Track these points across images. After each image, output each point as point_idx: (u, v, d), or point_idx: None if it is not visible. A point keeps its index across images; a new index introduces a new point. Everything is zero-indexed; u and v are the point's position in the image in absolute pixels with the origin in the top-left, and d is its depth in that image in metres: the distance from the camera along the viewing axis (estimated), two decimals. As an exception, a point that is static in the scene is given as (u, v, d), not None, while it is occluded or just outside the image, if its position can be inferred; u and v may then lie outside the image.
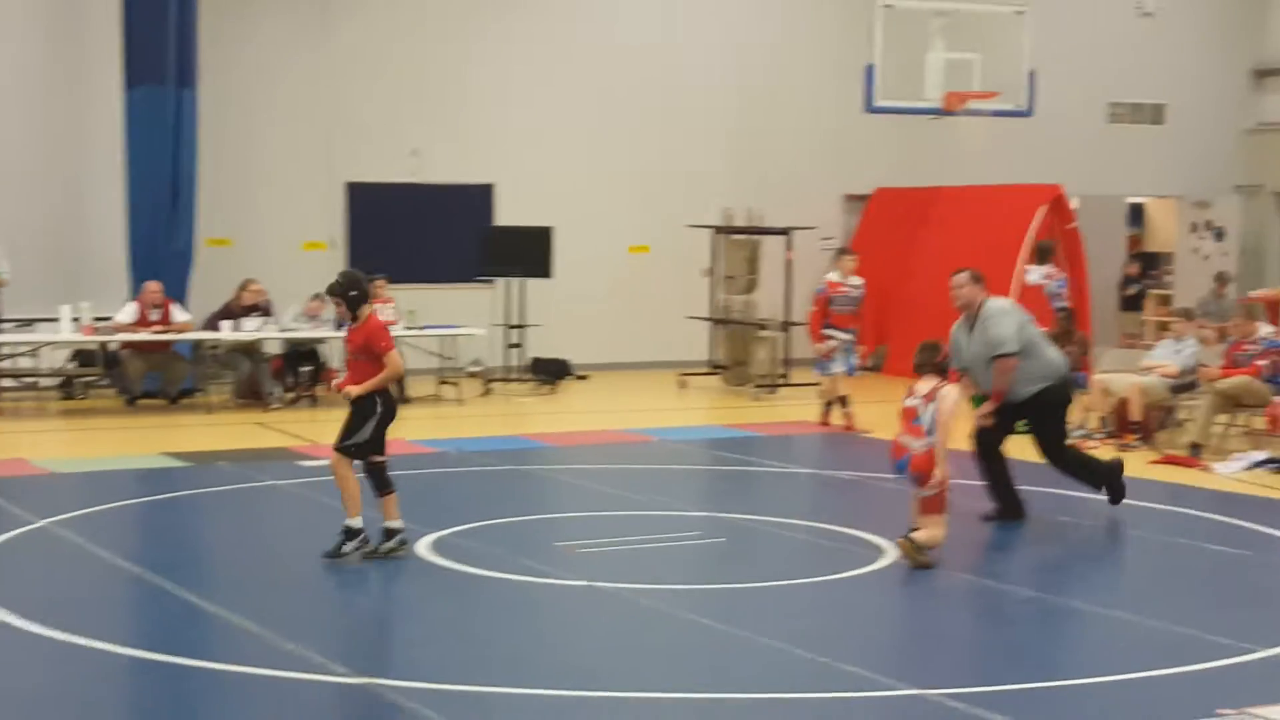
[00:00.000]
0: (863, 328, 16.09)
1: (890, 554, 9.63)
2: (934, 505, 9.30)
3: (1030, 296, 16.81)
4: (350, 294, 9.47)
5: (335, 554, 9.27)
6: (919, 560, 9.19)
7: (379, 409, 9.47)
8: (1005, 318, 10.70)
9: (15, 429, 15.50)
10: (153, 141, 17.59)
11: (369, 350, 9.46)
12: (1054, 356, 11.01)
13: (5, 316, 17.37)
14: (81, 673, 7.14)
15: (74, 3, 18.62)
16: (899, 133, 22.24)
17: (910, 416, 9.36)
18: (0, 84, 18.31)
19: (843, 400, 15.64)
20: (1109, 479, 11.26)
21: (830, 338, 15.55)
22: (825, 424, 15.73)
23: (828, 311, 15.63)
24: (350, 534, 9.33)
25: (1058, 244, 19.34)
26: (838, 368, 15.58)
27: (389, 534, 9.45)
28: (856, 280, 15.83)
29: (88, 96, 18.62)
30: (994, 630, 8.20)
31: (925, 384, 9.41)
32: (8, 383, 17.56)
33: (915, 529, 9.30)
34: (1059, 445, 11.11)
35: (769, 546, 10.16)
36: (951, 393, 9.41)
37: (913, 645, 7.79)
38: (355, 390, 9.44)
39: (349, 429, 9.48)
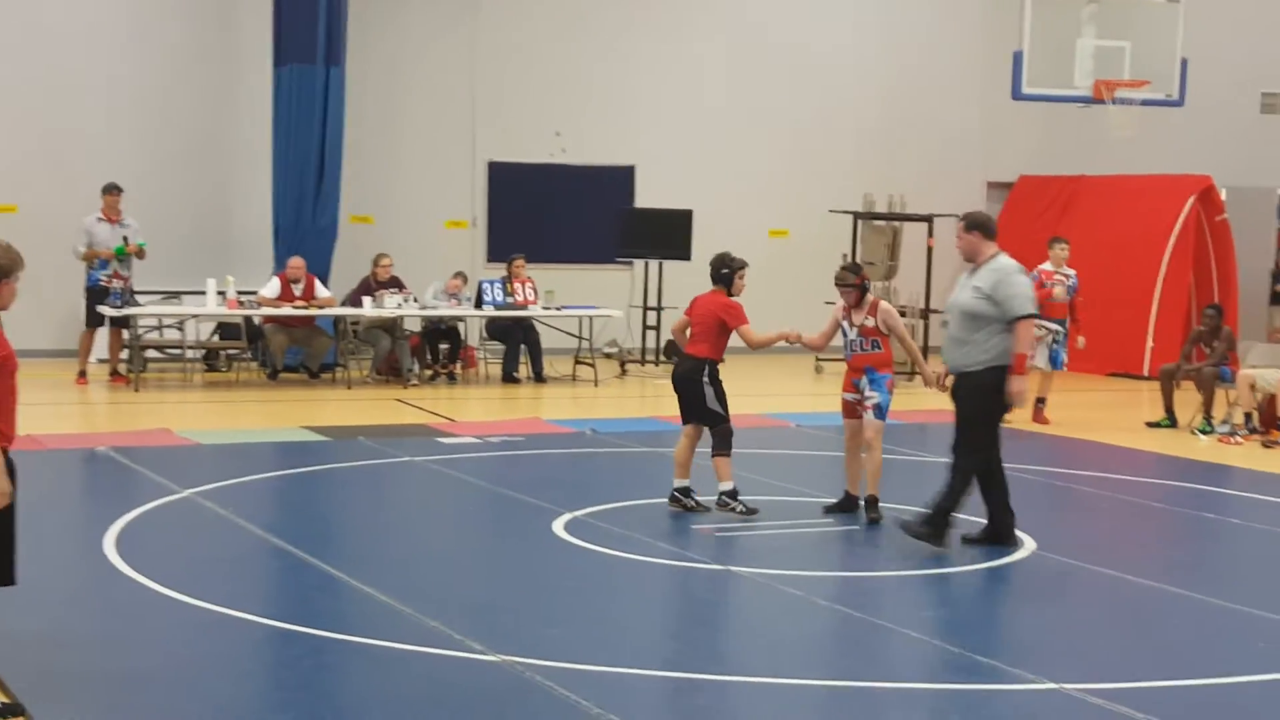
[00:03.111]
0: (1077, 319, 15.44)
1: (1029, 545, 9.52)
2: None
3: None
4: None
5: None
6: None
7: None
8: (1019, 277, 9.45)
9: (161, 400, 15.83)
10: (300, 119, 17.85)
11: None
12: (1007, 344, 9.28)
13: (153, 289, 17.72)
14: (221, 641, 7.25)
15: (226, -19, 18.97)
16: (1045, 120, 21.94)
17: None
18: (153, 61, 18.69)
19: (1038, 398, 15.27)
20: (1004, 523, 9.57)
21: (1040, 329, 14.92)
22: (1040, 419, 15.29)
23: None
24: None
25: None
26: (1038, 362, 15.02)
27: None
28: (1069, 270, 15.35)
29: (238, 74, 18.95)
30: (1134, 626, 8.04)
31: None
32: (154, 354, 17.93)
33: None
34: (965, 434, 9.54)
35: (904, 535, 10.04)
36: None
37: (1050, 638, 7.67)
38: None
39: None
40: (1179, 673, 6.97)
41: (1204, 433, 14.92)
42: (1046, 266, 15.32)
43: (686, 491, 10.26)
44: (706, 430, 10.23)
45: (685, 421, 10.36)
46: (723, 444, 10.16)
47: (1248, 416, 14.75)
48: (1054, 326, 15.19)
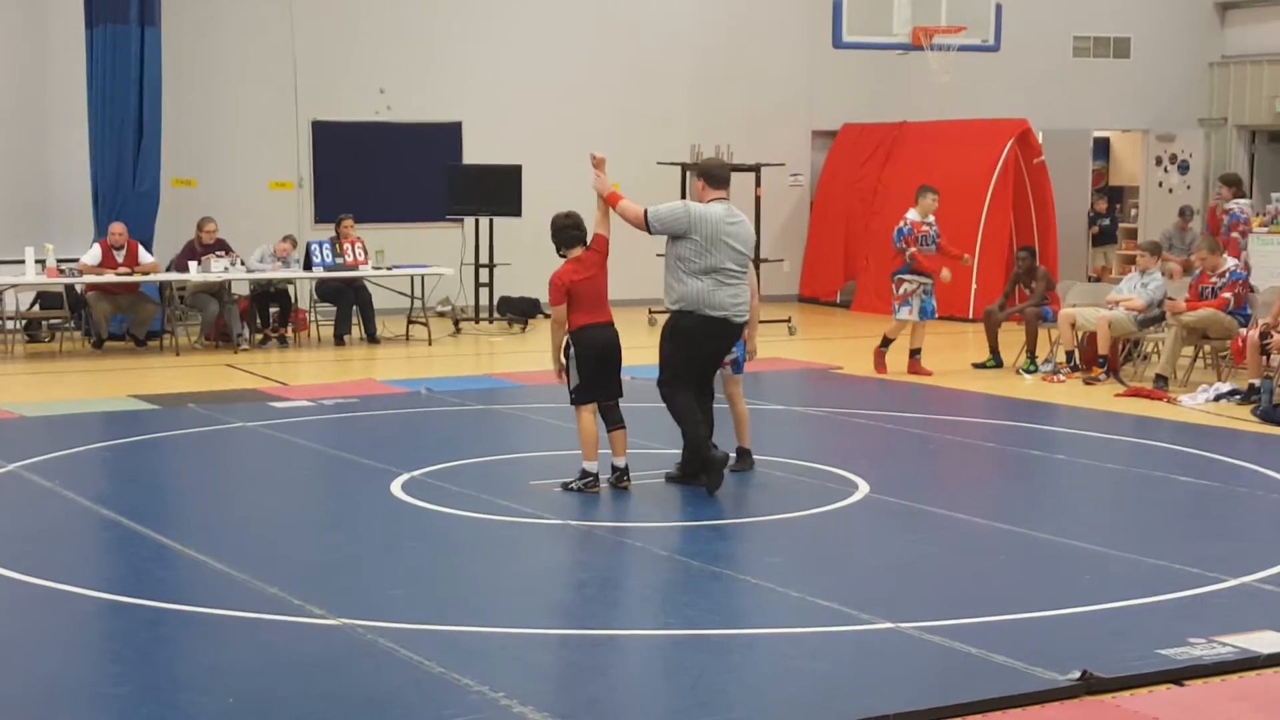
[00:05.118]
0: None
1: (863, 489, 9.69)
2: None
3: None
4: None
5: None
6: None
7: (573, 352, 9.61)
8: (673, 204, 9.87)
9: (-19, 373, 15.42)
10: (115, 81, 17.41)
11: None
12: (694, 288, 9.51)
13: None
14: (51, 616, 7.11)
15: (32, -60, 18.40)
16: (866, 68, 22.21)
17: None
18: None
19: (886, 341, 15.33)
20: (697, 457, 9.58)
21: (905, 281, 15.08)
22: (918, 370, 15.23)
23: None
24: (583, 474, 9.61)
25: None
26: (907, 313, 15.13)
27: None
28: (932, 219, 15.25)
29: (48, 35, 18.42)
30: (967, 563, 8.23)
31: None
32: (-28, 326, 17.45)
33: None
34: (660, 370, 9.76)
35: (743, 483, 10.17)
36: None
37: (887, 579, 7.82)
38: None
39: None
40: (1011, 607, 7.15)
41: (1028, 372, 15.29)
42: (914, 216, 15.27)
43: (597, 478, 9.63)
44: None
45: (598, 397, 9.63)
46: (621, 414, 9.83)
47: (1069, 355, 15.14)
48: (924, 279, 15.20)
